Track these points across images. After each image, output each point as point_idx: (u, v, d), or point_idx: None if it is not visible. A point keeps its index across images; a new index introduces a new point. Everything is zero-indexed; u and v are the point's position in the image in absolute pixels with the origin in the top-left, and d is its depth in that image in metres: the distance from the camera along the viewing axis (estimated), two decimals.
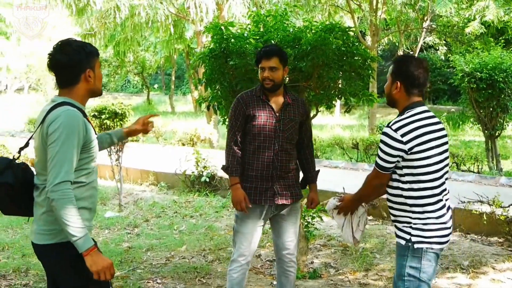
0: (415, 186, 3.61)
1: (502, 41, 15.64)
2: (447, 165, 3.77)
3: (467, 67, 11.92)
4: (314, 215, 6.74)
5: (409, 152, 3.55)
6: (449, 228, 3.75)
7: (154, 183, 11.87)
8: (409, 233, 3.63)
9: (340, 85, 5.89)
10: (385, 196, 3.86)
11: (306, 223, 6.59)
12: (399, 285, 3.68)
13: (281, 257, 4.75)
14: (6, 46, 28.29)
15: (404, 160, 3.59)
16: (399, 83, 3.71)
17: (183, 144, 16.98)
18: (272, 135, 4.53)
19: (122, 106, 9.81)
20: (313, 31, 5.65)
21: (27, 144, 3.36)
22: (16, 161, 3.31)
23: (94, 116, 9.85)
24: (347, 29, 5.71)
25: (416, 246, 3.60)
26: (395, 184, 3.70)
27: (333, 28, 5.58)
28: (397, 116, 3.72)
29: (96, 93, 3.39)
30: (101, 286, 3.24)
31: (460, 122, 22.41)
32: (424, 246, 3.60)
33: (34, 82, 39.51)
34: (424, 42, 26.61)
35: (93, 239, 3.14)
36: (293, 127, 4.61)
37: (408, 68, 3.69)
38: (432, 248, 3.62)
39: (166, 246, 7.45)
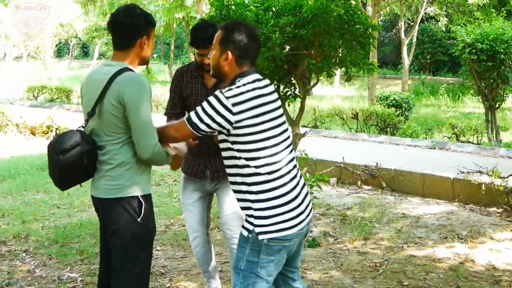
0: (252, 163, 3.16)
1: (504, 12, 15.52)
2: (288, 138, 3.33)
3: (468, 38, 11.86)
4: (313, 183, 6.75)
5: (236, 125, 3.13)
6: (302, 213, 3.26)
7: None
8: (251, 223, 3.17)
9: (340, 54, 5.86)
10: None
11: None
12: (235, 279, 3.28)
13: (223, 232, 4.70)
14: (4, 13, 28.06)
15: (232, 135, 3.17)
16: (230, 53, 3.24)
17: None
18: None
19: None
20: None
21: (94, 111, 3.35)
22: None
23: None
24: None
25: (259, 237, 3.13)
26: (231, 162, 3.25)
27: None
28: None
29: (145, 61, 3.53)
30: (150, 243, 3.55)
31: (460, 94, 22.34)
32: (266, 237, 3.13)
33: (32, 50, 39.32)
34: (425, 13, 26.45)
35: None
36: None
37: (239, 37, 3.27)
38: (274, 239, 3.15)
39: (166, 214, 7.47)
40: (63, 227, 6.82)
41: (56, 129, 13.51)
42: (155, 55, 46.62)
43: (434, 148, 11.54)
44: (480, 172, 8.02)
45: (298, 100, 6.36)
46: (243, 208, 3.27)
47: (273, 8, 5.80)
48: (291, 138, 3.37)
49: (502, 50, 11.55)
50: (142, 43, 3.41)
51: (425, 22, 31.06)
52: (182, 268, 5.59)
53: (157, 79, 34.52)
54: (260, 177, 3.15)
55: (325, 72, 6.08)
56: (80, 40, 44.16)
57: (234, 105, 3.08)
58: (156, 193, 8.66)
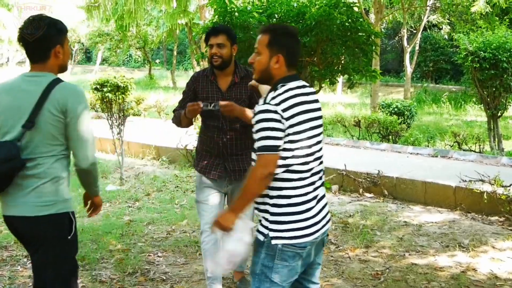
0: (282, 169, 3.16)
1: (507, 20, 15.56)
2: (320, 149, 3.34)
3: (471, 46, 11.85)
4: None
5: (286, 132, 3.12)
6: (317, 223, 3.28)
7: (155, 157, 11.87)
8: (266, 227, 3.21)
9: (343, 61, 5.87)
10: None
11: None
12: (252, 282, 3.32)
13: None
14: (7, 18, 28.15)
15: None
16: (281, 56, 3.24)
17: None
18: (219, 115, 4.60)
19: (124, 79, 9.76)
20: (317, 6, 5.62)
21: (32, 123, 3.24)
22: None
23: (96, 89, 9.78)
24: (351, 5, 5.68)
25: (273, 242, 3.16)
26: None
27: (338, 3, 5.56)
28: (268, 93, 3.26)
29: (64, 69, 3.48)
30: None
31: (462, 102, 22.33)
32: (280, 242, 3.16)
33: None
34: (428, 21, 26.48)
35: None
36: (240, 104, 4.57)
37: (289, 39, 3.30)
38: (288, 246, 3.17)
39: (167, 220, 7.47)
40: None
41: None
42: (157, 61, 46.65)
43: (436, 156, 11.53)
44: (482, 180, 8.00)
45: None
46: (259, 210, 3.27)
47: (276, 15, 5.81)
48: (322, 151, 3.36)
49: (504, 59, 11.53)
50: (57, 53, 3.34)
51: (428, 30, 31.09)
52: (183, 275, 5.57)
53: (159, 85, 34.57)
54: (283, 183, 3.17)
55: (327, 79, 6.09)
56: (83, 45, 44.25)
57: (284, 110, 3.10)
58: (158, 199, 8.66)
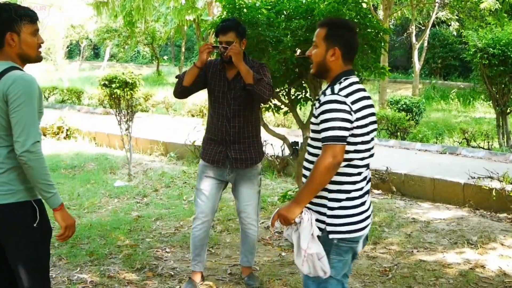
0: (343, 163, 3.16)
1: None
2: (373, 147, 3.37)
3: (479, 43, 11.80)
4: None
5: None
6: (368, 217, 3.34)
7: (163, 153, 11.89)
8: (323, 222, 3.22)
9: None
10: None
11: None
12: (305, 278, 3.35)
13: (241, 219, 5.16)
14: None
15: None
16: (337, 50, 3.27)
17: (193, 115, 16.95)
18: (224, 103, 4.82)
19: (132, 75, 9.76)
20: (326, 2, 5.61)
21: None
22: None
23: (104, 85, 9.80)
24: (360, 1, 5.67)
25: (330, 236, 3.19)
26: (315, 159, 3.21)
27: None
28: (331, 85, 3.26)
29: (27, 59, 3.37)
30: (45, 251, 3.41)
31: (471, 99, 22.22)
32: (337, 236, 3.20)
33: (44, 51, 39.44)
34: (437, 17, 26.36)
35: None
36: (244, 93, 4.78)
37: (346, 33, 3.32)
38: (345, 240, 3.22)
39: (175, 215, 7.48)
40: None
41: (67, 130, 13.55)
42: (165, 57, 46.68)
43: (445, 153, 11.50)
44: (491, 177, 7.99)
45: (309, 103, 6.36)
46: (315, 204, 3.26)
47: (285, 11, 5.80)
48: (374, 148, 3.39)
49: None
50: (10, 41, 3.24)
51: (436, 27, 30.96)
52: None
53: (167, 81, 34.57)
54: (343, 177, 3.20)
55: None
56: (91, 41, 44.27)
57: (352, 103, 3.14)
58: (166, 195, 8.67)
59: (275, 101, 6.33)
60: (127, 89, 9.74)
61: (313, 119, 3.26)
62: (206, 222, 5.05)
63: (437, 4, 22.97)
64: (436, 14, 24.36)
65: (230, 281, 5.39)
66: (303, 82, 6.20)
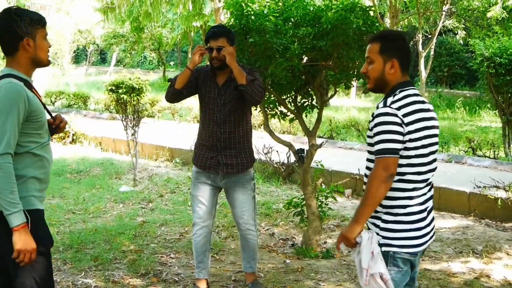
0: (396, 178, 3.17)
1: None
2: (434, 160, 3.34)
3: (486, 52, 11.79)
4: (328, 195, 6.74)
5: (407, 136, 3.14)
6: (427, 234, 3.30)
7: (169, 159, 11.90)
8: (377, 234, 3.22)
9: (359, 65, 5.85)
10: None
11: (319, 203, 6.58)
12: None
13: (238, 225, 5.17)
14: None
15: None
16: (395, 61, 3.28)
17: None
18: (214, 108, 4.86)
19: (139, 81, 9.78)
20: (333, 10, 5.60)
21: None
22: None
23: (111, 90, 9.82)
24: (368, 8, 5.67)
25: (383, 249, 3.18)
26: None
27: (354, 7, 5.54)
28: (386, 98, 3.29)
29: (40, 63, 3.38)
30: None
31: (477, 107, 22.18)
32: (391, 249, 3.19)
33: (51, 55, 39.50)
34: (443, 26, 26.36)
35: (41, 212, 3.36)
36: (234, 99, 4.85)
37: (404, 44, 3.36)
38: (400, 253, 3.20)
39: (180, 221, 7.48)
40: (78, 233, 6.85)
41: (73, 134, 13.58)
42: (172, 63, 46.76)
43: (450, 162, 11.48)
44: (497, 187, 7.97)
45: (315, 110, 6.36)
46: (371, 217, 3.27)
47: (292, 19, 5.81)
48: (436, 162, 3.37)
49: None
50: (26, 45, 3.25)
51: (443, 35, 30.97)
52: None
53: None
54: (398, 193, 3.19)
55: (343, 84, 6.08)
56: (98, 46, 44.36)
57: (404, 116, 3.13)
58: (171, 201, 8.68)
59: (281, 108, 6.33)
60: (134, 94, 9.76)
61: (368, 132, 3.32)
62: (205, 227, 5.07)
63: (444, 13, 22.96)
64: (443, 23, 24.36)
65: (234, 287, 5.39)
66: (309, 89, 6.20)
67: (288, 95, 6.26)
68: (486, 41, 12.51)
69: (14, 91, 3.14)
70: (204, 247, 5.10)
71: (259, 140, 10.25)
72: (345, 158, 11.54)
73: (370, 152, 3.32)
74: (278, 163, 10.29)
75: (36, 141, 3.28)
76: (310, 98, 6.32)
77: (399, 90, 3.25)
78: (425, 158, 3.23)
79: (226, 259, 6.16)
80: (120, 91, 9.72)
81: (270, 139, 6.48)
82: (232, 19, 5.66)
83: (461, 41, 28.25)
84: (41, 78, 30.61)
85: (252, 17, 5.52)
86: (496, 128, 16.88)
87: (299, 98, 6.31)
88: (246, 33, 5.54)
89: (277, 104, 6.25)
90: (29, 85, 3.29)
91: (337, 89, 6.35)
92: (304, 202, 6.45)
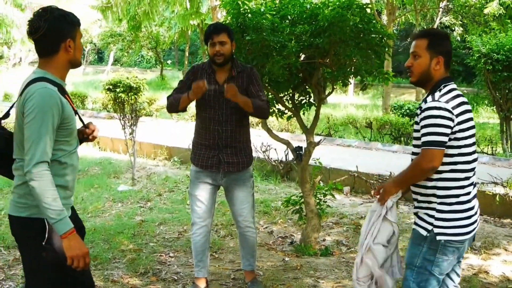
0: (448, 168, 3.35)
1: None
2: (476, 150, 3.53)
3: (483, 48, 11.82)
4: (326, 192, 6.75)
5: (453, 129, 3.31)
6: (476, 221, 3.46)
7: (167, 157, 11.90)
8: (431, 223, 3.38)
9: (356, 63, 5.85)
10: None
11: (318, 201, 6.59)
12: (408, 274, 3.51)
13: (238, 223, 5.15)
14: (20, 18, 28.29)
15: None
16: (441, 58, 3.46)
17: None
18: (216, 107, 4.83)
19: (136, 80, 9.81)
20: (330, 8, 5.60)
21: (7, 114, 3.31)
22: (2, 130, 3.29)
23: (108, 89, 9.86)
24: (364, 6, 5.67)
25: (437, 238, 3.35)
26: None
27: (351, 4, 5.54)
28: (432, 92, 3.43)
29: (76, 64, 3.30)
30: (69, 275, 3.21)
31: (475, 104, 22.25)
32: (444, 238, 3.35)
33: None
34: (440, 22, 26.39)
35: (81, 225, 3.35)
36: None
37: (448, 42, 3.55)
38: (451, 241, 3.36)
39: (179, 220, 7.48)
40: None
41: None
42: (169, 61, 46.73)
43: None
44: (495, 183, 7.99)
45: (313, 108, 6.37)
46: (421, 207, 3.48)
47: (289, 17, 5.80)
48: (476, 152, 3.53)
49: None
50: (67, 47, 3.17)
51: None
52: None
53: (171, 85, 34.61)
54: (451, 183, 3.37)
55: (340, 81, 6.08)
56: (95, 45, 44.39)
57: (453, 108, 3.30)
58: (170, 200, 8.68)
59: (279, 106, 6.33)
60: (131, 93, 9.81)
61: (415, 126, 3.49)
62: (205, 227, 5.05)
63: (441, 10, 22.98)
64: (440, 19, 24.39)
65: (233, 286, 5.39)
66: (307, 87, 6.20)
67: (286, 93, 6.26)
68: (483, 38, 12.54)
69: (48, 97, 3.04)
70: (204, 246, 5.09)
71: (257, 138, 10.25)
72: (343, 155, 11.55)
73: (415, 146, 3.51)
74: (276, 161, 10.30)
75: (64, 148, 3.20)
76: (307, 96, 6.32)
77: (443, 85, 3.42)
78: (471, 148, 3.42)
79: (225, 257, 6.17)
80: (118, 90, 9.77)
81: (268, 137, 6.47)
82: (229, 17, 5.66)
83: (458, 38, 28.27)
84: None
85: (249, 15, 5.52)
86: (493, 124, 16.93)
87: (296, 95, 6.31)
88: (243, 31, 5.54)
89: (274, 102, 6.25)
90: (63, 90, 3.22)
91: (335, 87, 6.34)
92: (302, 199, 6.46)
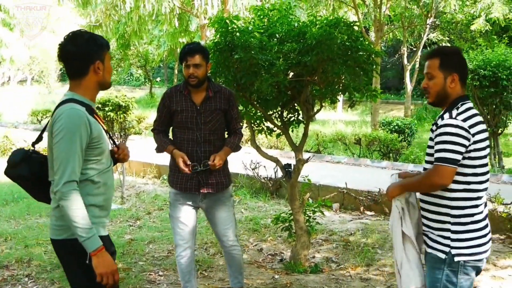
0: (462, 187, 3.31)
1: (506, 38, 15.60)
2: (488, 171, 3.47)
3: (470, 64, 11.89)
4: (315, 209, 6.76)
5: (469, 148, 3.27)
6: (490, 239, 3.46)
7: (156, 176, 11.88)
8: (447, 245, 3.34)
9: (344, 80, 5.88)
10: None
11: (307, 218, 6.60)
12: None
13: (222, 243, 5.12)
14: (9, 38, 28.29)
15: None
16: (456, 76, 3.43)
17: None
18: (194, 128, 4.82)
19: (125, 98, 9.81)
20: (318, 26, 5.64)
21: (40, 138, 3.35)
22: (36, 154, 3.33)
23: (97, 108, 9.84)
24: (352, 24, 5.71)
25: (456, 259, 3.31)
26: None
27: (338, 22, 5.58)
28: (449, 110, 3.39)
29: (105, 86, 3.36)
30: None
31: None
32: (463, 259, 3.31)
33: (37, 74, 39.49)
34: (428, 39, 26.57)
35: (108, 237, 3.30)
36: (215, 118, 4.85)
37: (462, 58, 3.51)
38: (470, 261, 3.33)
39: (168, 238, 7.46)
40: None
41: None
42: (158, 79, 46.77)
43: None
44: None
45: (302, 125, 6.39)
46: (433, 228, 3.42)
47: (277, 35, 5.83)
48: (489, 172, 3.50)
49: (504, 77, 11.56)
50: (96, 69, 3.25)
51: (428, 48, 31.18)
52: None
53: None
54: (464, 202, 3.32)
55: (328, 98, 6.11)
56: None
57: (470, 127, 3.26)
58: (159, 218, 8.66)
59: (268, 124, 6.35)
60: (120, 112, 9.79)
61: (429, 142, 3.47)
62: (189, 248, 4.98)
63: (428, 26, 23.16)
64: (427, 36, 24.55)
65: None
66: (295, 104, 6.23)
67: (274, 111, 6.28)
68: (470, 54, 12.63)
69: (76, 117, 3.10)
70: (189, 267, 5.03)
71: (247, 156, 10.28)
72: (332, 172, 11.57)
73: (427, 162, 3.48)
74: (265, 178, 10.30)
75: (95, 168, 3.22)
76: (296, 113, 6.35)
77: (460, 103, 3.39)
78: (485, 168, 3.38)
79: (214, 275, 6.15)
80: (107, 108, 9.76)
81: (257, 154, 6.48)
82: (217, 36, 5.68)
83: None
84: (27, 97, 30.54)
85: (237, 33, 5.54)
86: None
87: (285, 113, 6.34)
88: (232, 49, 5.56)
89: (263, 119, 6.27)
90: (91, 110, 3.26)
91: (323, 104, 6.37)
92: (292, 217, 6.46)
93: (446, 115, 3.35)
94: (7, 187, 10.56)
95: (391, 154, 13.61)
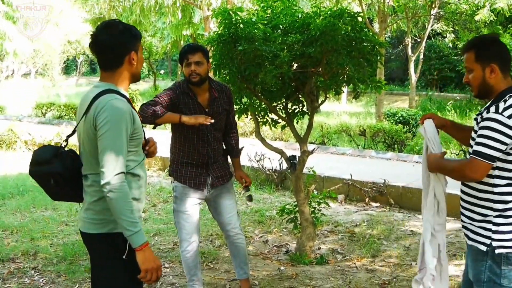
0: (505, 182, 3.23)
1: (511, 29, 15.51)
2: None
3: None
4: (321, 201, 6.76)
5: None
6: None
7: (161, 168, 11.89)
8: (489, 237, 3.27)
9: (348, 71, 5.87)
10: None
11: (312, 209, 6.60)
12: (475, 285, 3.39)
13: (227, 232, 5.15)
14: (13, 31, 28.30)
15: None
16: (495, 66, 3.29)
17: None
18: (204, 130, 4.84)
19: (129, 91, 9.80)
20: (321, 17, 5.62)
21: (74, 132, 3.29)
22: (64, 149, 3.27)
23: None
24: (356, 15, 5.69)
25: (497, 251, 3.24)
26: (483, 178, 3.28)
27: (342, 13, 5.56)
28: (496, 102, 3.26)
29: (137, 77, 3.33)
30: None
31: (467, 110, 22.30)
32: (504, 251, 3.23)
33: (40, 67, 39.54)
34: (432, 29, 26.49)
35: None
36: (222, 119, 4.98)
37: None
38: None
39: (174, 231, 7.46)
40: (71, 244, 6.83)
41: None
42: (162, 72, 46.75)
43: None
44: None
45: (306, 117, 6.38)
46: (474, 220, 3.37)
47: (281, 26, 5.82)
48: None
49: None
50: (131, 60, 3.20)
51: (432, 39, 31.11)
52: None
53: None
54: (508, 197, 3.24)
55: (333, 90, 6.10)
56: (88, 57, 44.38)
57: None
58: (164, 210, 8.67)
59: (272, 115, 6.34)
60: None
61: (473, 134, 3.36)
62: (194, 243, 5.00)
63: (432, 17, 23.08)
64: (431, 26, 24.49)
65: None
66: (300, 96, 6.22)
67: (279, 102, 6.27)
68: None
69: (120, 108, 3.06)
70: (195, 261, 5.04)
71: (251, 148, 10.26)
72: (337, 163, 11.55)
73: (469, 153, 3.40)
74: (270, 170, 10.30)
75: (135, 159, 3.21)
76: (300, 105, 6.33)
77: (509, 95, 3.25)
78: None
79: (220, 267, 6.16)
80: None
81: (262, 146, 6.48)
82: (221, 28, 5.67)
83: (450, 44, 28.37)
84: (31, 90, 30.56)
85: (241, 25, 5.53)
86: None
87: (289, 105, 6.33)
88: (235, 41, 5.55)
89: (268, 111, 6.26)
90: (129, 101, 3.23)
91: (328, 95, 6.36)
92: (297, 208, 6.46)
93: (492, 109, 3.21)
94: (12, 180, 10.58)
95: (396, 145, 13.57)
